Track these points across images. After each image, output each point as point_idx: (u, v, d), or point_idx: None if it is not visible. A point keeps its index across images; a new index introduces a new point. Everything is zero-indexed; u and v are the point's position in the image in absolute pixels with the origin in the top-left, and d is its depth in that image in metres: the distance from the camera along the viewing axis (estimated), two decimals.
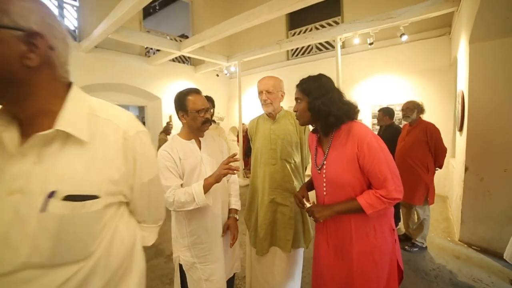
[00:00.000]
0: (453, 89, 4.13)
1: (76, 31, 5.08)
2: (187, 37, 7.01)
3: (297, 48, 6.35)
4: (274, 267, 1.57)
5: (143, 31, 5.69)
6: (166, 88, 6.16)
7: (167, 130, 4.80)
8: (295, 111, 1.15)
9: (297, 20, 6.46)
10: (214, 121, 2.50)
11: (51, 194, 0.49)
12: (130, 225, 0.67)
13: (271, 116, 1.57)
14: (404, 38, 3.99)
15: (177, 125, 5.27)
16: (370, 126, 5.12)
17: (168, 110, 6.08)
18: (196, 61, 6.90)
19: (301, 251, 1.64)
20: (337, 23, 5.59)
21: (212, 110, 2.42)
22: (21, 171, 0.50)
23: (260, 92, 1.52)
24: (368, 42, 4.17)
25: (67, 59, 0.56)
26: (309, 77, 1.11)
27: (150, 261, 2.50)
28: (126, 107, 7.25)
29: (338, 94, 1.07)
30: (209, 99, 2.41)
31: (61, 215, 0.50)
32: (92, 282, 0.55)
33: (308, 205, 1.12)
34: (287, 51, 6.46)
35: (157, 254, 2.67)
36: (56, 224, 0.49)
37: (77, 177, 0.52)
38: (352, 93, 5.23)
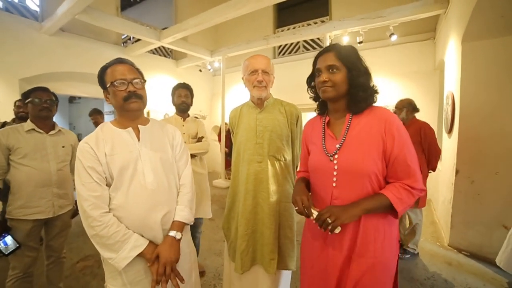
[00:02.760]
0: (437, 92, 4.17)
1: (39, 10, 4.49)
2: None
3: (284, 46, 6.19)
4: None
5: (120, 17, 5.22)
6: (146, 82, 5.68)
7: None
8: (325, 81, 0.87)
9: (285, 18, 6.31)
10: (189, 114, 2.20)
11: None
12: None
13: (259, 103, 1.31)
14: (394, 38, 3.93)
15: None
16: None
17: (148, 105, 5.60)
18: (178, 54, 6.50)
19: (288, 274, 1.38)
20: (324, 22, 5.49)
21: (189, 100, 2.12)
22: None
23: (254, 71, 1.23)
24: (358, 40, 4.07)
25: None
26: (343, 45, 0.93)
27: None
28: (98, 100, 6.66)
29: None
30: (186, 86, 2.11)
31: None
32: None
33: (315, 212, 0.85)
34: (274, 48, 6.27)
35: None
36: None
37: None
38: None
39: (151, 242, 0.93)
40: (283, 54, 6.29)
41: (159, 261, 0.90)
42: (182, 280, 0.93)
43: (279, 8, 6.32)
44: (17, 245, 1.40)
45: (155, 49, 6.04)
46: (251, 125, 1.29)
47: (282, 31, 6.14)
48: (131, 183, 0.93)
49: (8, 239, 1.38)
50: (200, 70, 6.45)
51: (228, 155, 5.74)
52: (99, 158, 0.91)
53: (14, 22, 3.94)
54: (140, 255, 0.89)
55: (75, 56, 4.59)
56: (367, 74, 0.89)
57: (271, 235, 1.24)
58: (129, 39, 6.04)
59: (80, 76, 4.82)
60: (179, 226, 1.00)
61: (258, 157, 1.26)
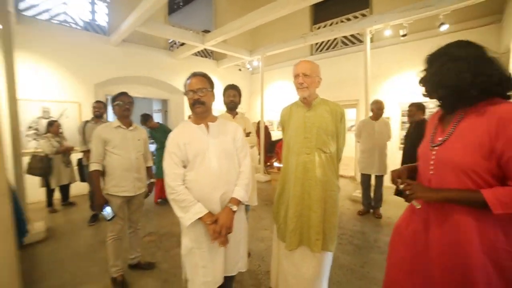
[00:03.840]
0: None
1: (107, 26, 5.27)
2: (207, 31, 7.02)
3: (321, 43, 6.16)
4: (304, 265, 1.50)
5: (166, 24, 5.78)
6: None
7: None
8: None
9: (322, 14, 6.23)
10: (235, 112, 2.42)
11: None
12: None
13: (306, 102, 1.49)
14: (444, 27, 3.68)
15: None
16: (399, 124, 4.84)
17: None
18: (218, 55, 6.92)
19: (330, 255, 1.54)
20: (365, 16, 5.32)
21: (237, 99, 2.36)
22: None
23: (296, 76, 1.43)
24: (401, 34, 3.91)
25: None
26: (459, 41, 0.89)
27: (174, 250, 2.52)
28: (149, 100, 7.46)
29: (491, 62, 0.83)
30: (234, 87, 2.37)
31: None
32: None
33: (401, 186, 0.95)
34: (311, 45, 6.28)
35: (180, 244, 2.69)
36: None
37: None
38: (379, 90, 4.97)
39: (210, 212, 1.19)
40: (321, 50, 6.26)
41: (217, 223, 1.16)
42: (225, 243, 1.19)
43: (315, 3, 6.25)
44: (113, 214, 1.82)
45: (198, 51, 6.53)
46: (300, 122, 1.48)
47: (319, 28, 6.12)
48: (200, 166, 1.23)
49: (108, 209, 1.81)
50: (240, 69, 6.78)
51: (268, 151, 5.97)
52: (179, 146, 1.23)
53: (89, 38, 4.74)
54: (201, 219, 1.17)
55: (132, 62, 5.26)
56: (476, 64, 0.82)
57: (316, 219, 1.42)
58: (175, 43, 6.63)
59: (136, 79, 5.49)
60: (235, 201, 1.24)
61: (307, 149, 1.44)
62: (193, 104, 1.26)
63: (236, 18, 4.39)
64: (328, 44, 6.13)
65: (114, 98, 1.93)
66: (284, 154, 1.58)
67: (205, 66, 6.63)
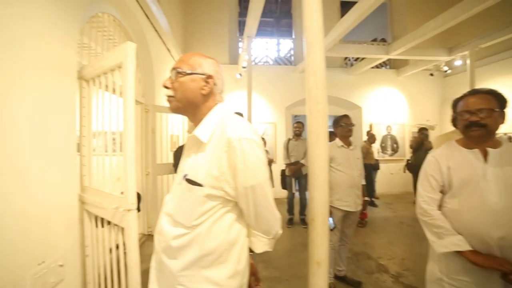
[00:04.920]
0: None
1: (292, 57, 6.33)
2: (383, 40, 6.47)
3: None
4: None
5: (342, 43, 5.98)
6: (367, 96, 6.02)
7: (371, 138, 4.60)
8: None
9: None
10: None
11: (185, 176, 0.76)
12: (236, 223, 0.78)
13: None
14: None
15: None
16: None
17: (368, 118, 5.91)
18: (397, 63, 6.19)
19: None
20: None
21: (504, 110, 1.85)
22: (184, 159, 0.84)
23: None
24: None
25: (223, 89, 0.86)
26: None
27: (375, 274, 2.37)
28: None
29: None
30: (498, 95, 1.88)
31: (183, 189, 0.76)
32: (192, 249, 0.73)
33: None
34: None
35: (380, 270, 2.48)
36: (180, 194, 0.77)
37: (195, 168, 0.75)
38: None
39: (475, 250, 0.98)
40: None
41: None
42: None
43: None
44: (334, 226, 1.97)
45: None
46: None
47: None
48: (470, 197, 1.03)
49: (330, 219, 1.98)
50: (431, 74, 5.63)
51: None
52: (441, 169, 1.11)
53: (281, 69, 5.89)
54: (461, 254, 1.00)
55: None
56: None
57: None
58: (349, 59, 6.69)
59: None
60: None
61: None
62: (468, 126, 1.06)
63: (418, 16, 3.75)
64: None
65: (338, 120, 2.15)
66: None
67: (383, 77, 6.15)
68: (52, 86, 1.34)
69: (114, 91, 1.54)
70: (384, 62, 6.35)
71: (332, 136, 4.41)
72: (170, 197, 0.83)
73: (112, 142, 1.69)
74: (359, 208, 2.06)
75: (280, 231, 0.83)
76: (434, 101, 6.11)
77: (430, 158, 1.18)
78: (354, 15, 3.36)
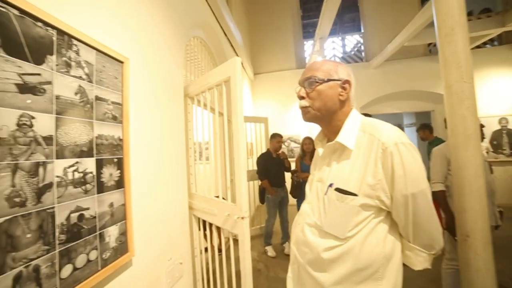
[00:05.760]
0: None
1: (363, 53, 5.83)
2: (487, 10, 5.20)
3: None
4: None
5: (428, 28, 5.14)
6: None
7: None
8: None
9: None
10: None
11: (330, 185, 0.75)
12: (389, 235, 0.71)
13: None
14: None
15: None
16: None
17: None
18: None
19: None
20: None
21: None
22: (322, 168, 0.81)
23: None
24: None
25: (354, 94, 0.82)
26: None
27: None
28: (399, 115, 7.07)
29: None
30: None
31: (332, 200, 0.73)
32: (345, 262, 0.69)
33: None
34: None
35: None
36: (328, 204, 0.74)
37: (343, 177, 0.73)
38: None
39: None
40: None
41: None
42: None
43: None
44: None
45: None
46: None
47: None
48: None
49: None
50: None
51: None
52: None
53: (351, 67, 5.46)
54: None
55: (390, 79, 5.23)
56: None
57: None
58: (434, 45, 5.72)
59: (392, 95, 5.38)
60: None
61: None
62: None
63: None
64: None
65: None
66: None
67: (489, 56, 4.95)
68: (172, 105, 1.55)
69: (213, 107, 1.67)
70: (490, 39, 5.12)
71: (425, 131, 3.75)
72: (308, 207, 0.81)
73: (204, 152, 1.82)
74: (499, 222, 1.63)
75: (442, 245, 0.72)
76: None
77: None
78: None
